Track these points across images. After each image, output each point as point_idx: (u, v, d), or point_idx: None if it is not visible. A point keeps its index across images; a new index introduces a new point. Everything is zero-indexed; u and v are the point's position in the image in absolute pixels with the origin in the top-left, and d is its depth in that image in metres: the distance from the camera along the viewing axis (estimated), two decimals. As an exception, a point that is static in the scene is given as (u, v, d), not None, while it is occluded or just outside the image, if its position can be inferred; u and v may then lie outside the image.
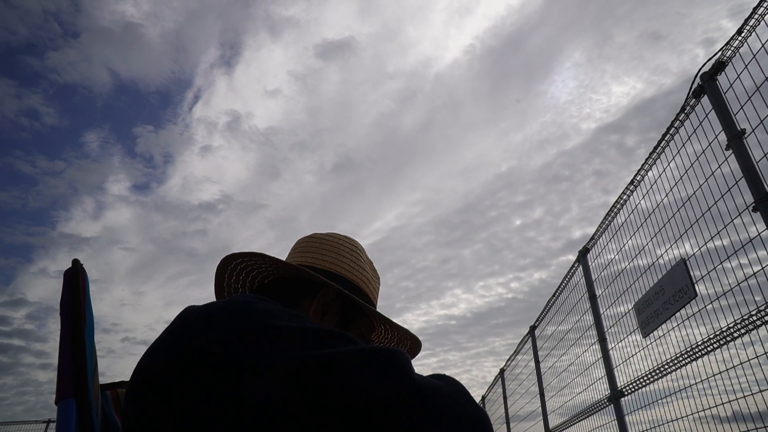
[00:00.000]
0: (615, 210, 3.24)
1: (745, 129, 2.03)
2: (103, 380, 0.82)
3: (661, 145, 2.63)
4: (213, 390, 0.52)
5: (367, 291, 0.93)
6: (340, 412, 0.50)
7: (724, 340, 2.15)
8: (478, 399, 9.22)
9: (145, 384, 0.57)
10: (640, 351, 2.95)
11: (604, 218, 3.38)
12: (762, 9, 1.86)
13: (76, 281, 0.66)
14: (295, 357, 0.53)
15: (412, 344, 1.02)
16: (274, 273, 0.90)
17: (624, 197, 3.10)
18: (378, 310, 0.96)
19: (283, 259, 0.94)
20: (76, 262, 0.68)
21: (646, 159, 2.77)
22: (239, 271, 0.89)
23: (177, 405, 0.53)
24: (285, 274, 0.89)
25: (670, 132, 2.53)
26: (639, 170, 2.86)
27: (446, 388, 0.57)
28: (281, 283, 0.87)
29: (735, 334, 2.08)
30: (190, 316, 0.61)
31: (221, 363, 0.53)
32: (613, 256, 3.34)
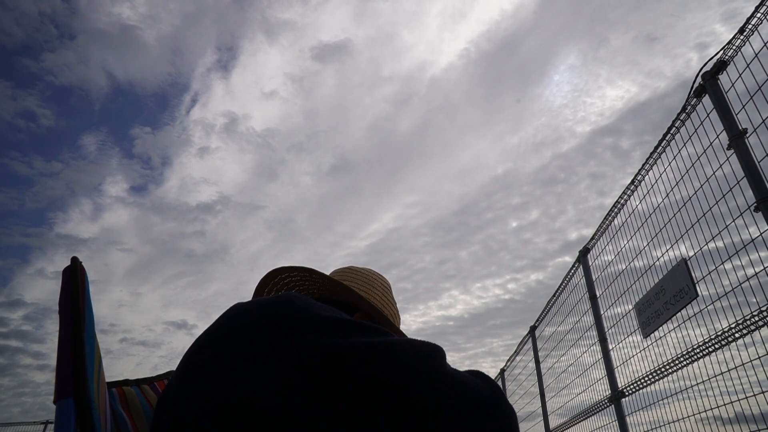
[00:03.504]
0: (616, 209, 3.23)
1: (746, 128, 2.02)
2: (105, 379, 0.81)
3: (662, 144, 2.62)
4: (267, 371, 0.54)
5: (393, 321, 0.97)
6: (378, 398, 0.53)
7: (726, 340, 2.15)
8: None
9: (198, 374, 0.58)
10: (640, 351, 2.95)
11: (605, 218, 3.37)
12: (764, 8, 1.85)
13: (75, 279, 0.65)
14: (340, 343, 0.56)
15: None
16: (315, 291, 0.95)
17: (625, 197, 3.09)
18: None
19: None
20: (75, 260, 0.67)
21: (647, 158, 2.76)
22: (281, 286, 0.94)
23: (231, 392, 0.54)
24: (324, 294, 0.95)
25: (671, 132, 2.53)
26: (640, 170, 2.85)
27: (479, 383, 0.60)
28: (320, 301, 0.91)
29: (737, 335, 2.08)
30: (240, 309, 0.64)
31: (273, 351, 0.55)
32: (613, 257, 3.34)
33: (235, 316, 0.63)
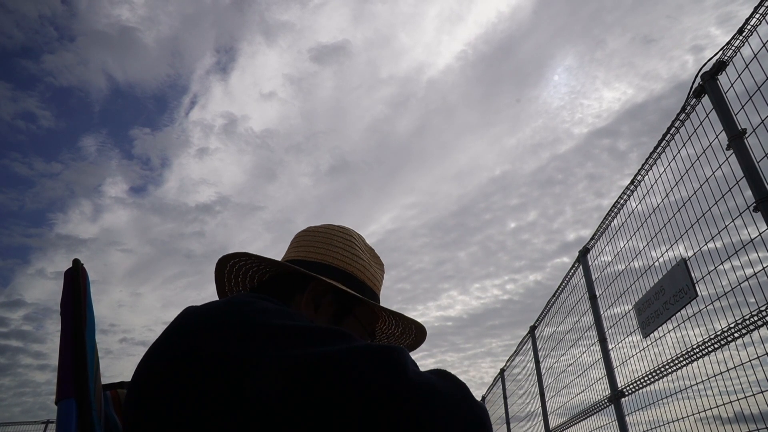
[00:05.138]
0: (616, 209, 3.23)
1: (746, 129, 2.02)
2: (101, 381, 0.81)
3: (662, 145, 2.62)
4: (213, 389, 0.52)
5: (364, 279, 0.91)
6: (336, 411, 0.49)
7: (725, 340, 2.15)
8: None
9: (147, 384, 0.57)
10: (639, 351, 2.95)
11: (605, 218, 3.38)
12: (763, 8, 1.85)
13: (76, 281, 0.65)
14: (291, 356, 0.52)
15: (417, 332, 1.01)
16: (268, 270, 0.91)
17: (624, 197, 3.10)
18: (382, 297, 0.97)
19: (283, 253, 0.96)
20: (76, 262, 0.67)
21: (647, 158, 2.76)
22: (236, 272, 0.91)
23: (178, 404, 0.53)
24: (277, 271, 0.90)
25: (671, 132, 2.53)
26: (640, 170, 2.86)
27: (444, 385, 0.56)
28: (275, 280, 0.88)
29: (736, 335, 2.08)
30: (190, 316, 0.62)
31: (221, 362, 0.53)
32: (613, 257, 3.34)
33: (181, 325, 0.61)
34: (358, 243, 0.96)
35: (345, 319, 0.87)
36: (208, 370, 0.53)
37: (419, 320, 0.97)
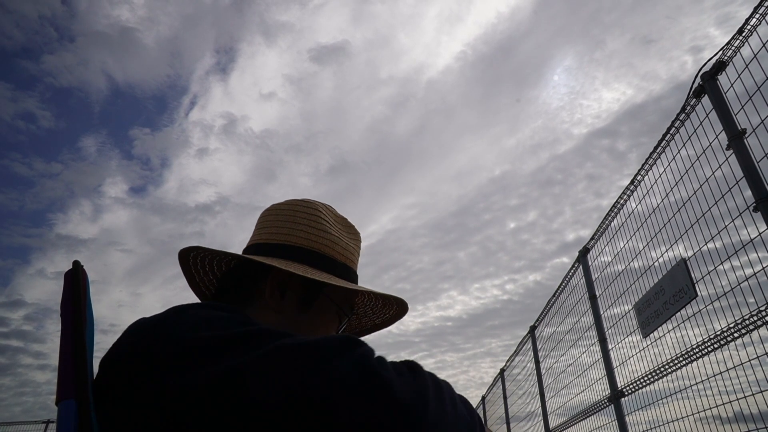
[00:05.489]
0: (616, 209, 3.23)
1: (745, 129, 2.03)
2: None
3: (662, 145, 2.63)
4: (139, 403, 0.53)
5: (333, 254, 0.85)
6: (259, 418, 0.48)
7: (724, 340, 2.15)
8: (477, 399, 9.20)
9: (98, 392, 0.59)
10: (639, 351, 2.95)
11: (605, 217, 3.38)
12: (763, 8, 1.86)
13: (76, 283, 0.65)
14: (208, 372, 0.51)
15: (398, 304, 0.96)
16: (232, 258, 0.86)
17: (624, 197, 3.10)
18: (364, 272, 0.93)
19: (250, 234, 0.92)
20: (76, 263, 0.67)
21: (647, 158, 2.76)
22: (202, 262, 0.87)
23: (114, 417, 0.55)
24: (242, 259, 0.84)
25: (671, 132, 2.53)
26: (640, 170, 2.86)
27: (403, 384, 0.51)
28: (241, 267, 0.84)
29: (735, 335, 2.08)
30: (131, 329, 0.63)
31: (145, 376, 0.54)
32: (613, 257, 3.34)
33: (120, 341, 0.61)
34: (326, 216, 0.89)
35: (315, 301, 0.82)
36: (135, 384, 0.54)
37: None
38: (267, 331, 0.56)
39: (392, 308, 0.98)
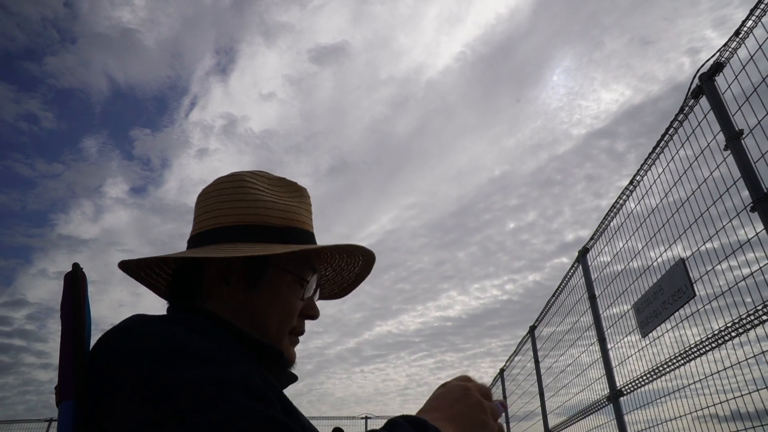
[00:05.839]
0: (615, 210, 3.24)
1: (743, 129, 2.03)
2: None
3: (660, 145, 2.63)
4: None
5: (268, 221, 0.79)
6: None
7: (722, 339, 2.16)
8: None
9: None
10: (638, 351, 2.96)
11: (604, 218, 3.39)
12: (759, 10, 1.86)
13: (76, 284, 0.66)
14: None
15: (364, 256, 0.89)
16: (171, 260, 0.81)
17: (624, 197, 3.11)
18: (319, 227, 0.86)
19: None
20: (76, 266, 0.68)
21: (646, 159, 2.77)
22: (149, 269, 0.84)
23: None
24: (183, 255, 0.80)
25: (669, 133, 2.54)
26: (639, 170, 2.87)
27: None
28: (186, 265, 0.80)
29: (733, 334, 2.09)
30: (98, 349, 0.63)
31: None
32: (612, 257, 3.35)
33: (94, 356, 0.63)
34: (254, 183, 0.82)
35: (264, 277, 0.77)
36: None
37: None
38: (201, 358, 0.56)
39: (357, 264, 0.92)
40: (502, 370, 7.17)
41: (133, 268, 0.81)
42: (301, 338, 0.84)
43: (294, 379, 0.83)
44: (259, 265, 0.77)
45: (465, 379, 0.76)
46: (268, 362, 0.74)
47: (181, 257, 0.76)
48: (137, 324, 0.62)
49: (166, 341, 0.57)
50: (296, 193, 0.86)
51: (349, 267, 0.94)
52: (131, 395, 0.53)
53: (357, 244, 0.84)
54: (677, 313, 2.49)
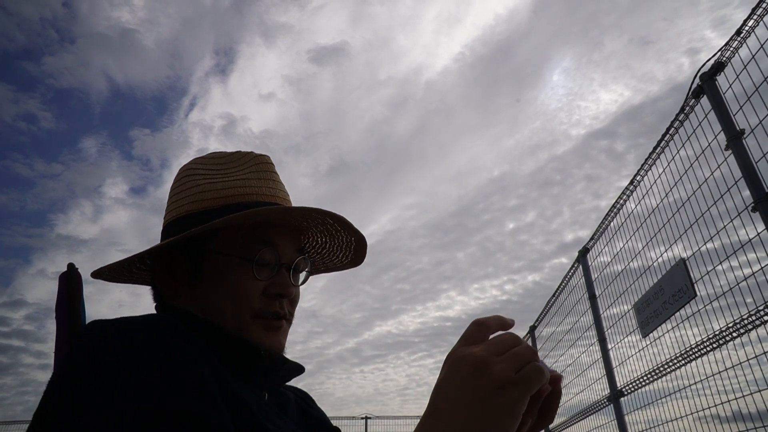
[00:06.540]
0: (615, 210, 3.24)
1: (744, 129, 2.03)
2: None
3: (661, 145, 2.63)
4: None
5: (202, 206, 0.74)
6: None
7: (723, 340, 2.15)
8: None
9: None
10: (638, 351, 2.96)
11: (605, 218, 3.38)
12: (761, 10, 1.86)
13: (71, 285, 0.66)
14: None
15: (356, 241, 0.84)
16: (147, 255, 0.78)
17: (624, 197, 3.10)
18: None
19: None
20: (71, 266, 0.68)
21: (647, 158, 2.77)
22: (129, 270, 0.82)
23: None
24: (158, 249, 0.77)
25: (669, 132, 2.54)
26: (639, 170, 2.86)
27: None
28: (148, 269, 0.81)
29: (734, 334, 2.08)
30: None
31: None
32: (612, 257, 3.34)
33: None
34: (196, 170, 0.79)
35: (204, 265, 0.72)
36: None
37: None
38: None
39: (349, 250, 0.87)
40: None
41: (107, 275, 0.79)
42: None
43: (297, 371, 0.77)
44: (196, 254, 0.73)
45: (478, 337, 0.51)
46: (243, 358, 0.68)
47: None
48: (87, 335, 0.58)
49: (105, 357, 0.53)
50: (246, 163, 0.80)
51: (335, 253, 0.88)
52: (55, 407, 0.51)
53: (338, 215, 0.77)
54: (678, 313, 2.49)
